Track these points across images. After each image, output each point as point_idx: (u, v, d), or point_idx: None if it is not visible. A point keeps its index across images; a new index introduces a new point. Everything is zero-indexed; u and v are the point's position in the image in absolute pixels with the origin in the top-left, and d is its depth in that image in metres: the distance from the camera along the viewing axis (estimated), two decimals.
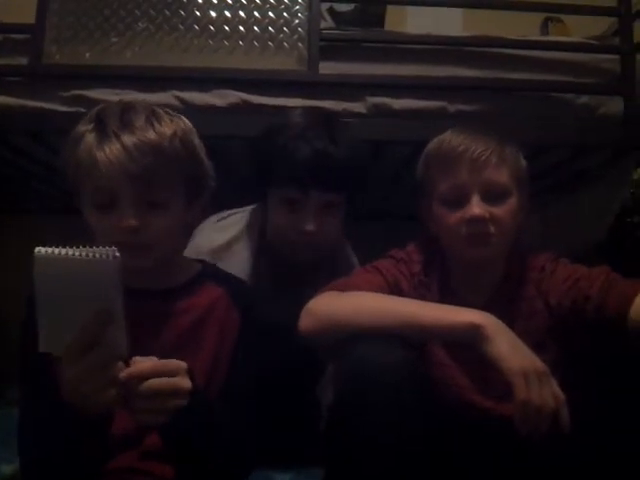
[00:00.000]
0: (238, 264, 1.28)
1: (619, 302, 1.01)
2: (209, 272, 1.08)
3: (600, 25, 1.85)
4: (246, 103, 1.48)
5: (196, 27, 1.50)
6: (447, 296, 1.11)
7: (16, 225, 2.45)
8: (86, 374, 0.72)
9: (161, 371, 0.76)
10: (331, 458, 0.99)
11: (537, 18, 2.34)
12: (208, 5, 1.51)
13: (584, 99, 1.52)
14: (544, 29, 2.29)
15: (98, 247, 0.71)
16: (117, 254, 0.71)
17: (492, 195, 1.06)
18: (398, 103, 1.49)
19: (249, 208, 1.42)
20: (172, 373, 0.77)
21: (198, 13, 1.50)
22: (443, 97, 1.49)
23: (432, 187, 1.11)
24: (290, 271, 1.32)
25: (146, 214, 0.90)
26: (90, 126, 0.90)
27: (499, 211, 1.06)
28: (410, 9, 2.29)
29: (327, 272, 1.33)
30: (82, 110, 1.45)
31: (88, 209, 0.93)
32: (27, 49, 1.49)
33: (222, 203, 1.33)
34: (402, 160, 1.66)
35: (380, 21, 2.17)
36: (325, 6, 2.06)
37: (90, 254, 0.70)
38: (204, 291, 1.03)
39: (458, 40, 1.59)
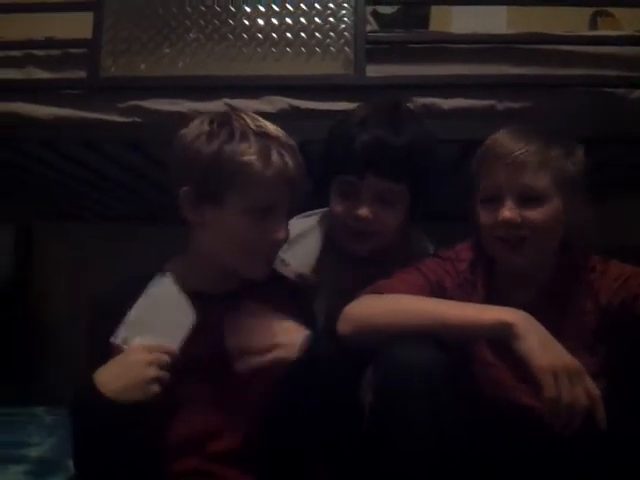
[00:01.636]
0: (304, 256, 1.31)
1: None
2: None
3: None
4: (294, 108, 1.50)
5: (245, 36, 1.53)
6: (493, 294, 1.11)
7: (70, 231, 2.56)
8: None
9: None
10: (372, 457, 1.01)
11: (585, 12, 2.30)
12: (256, 14, 1.54)
13: (636, 93, 1.48)
14: (593, 24, 2.25)
15: None
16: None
17: (527, 199, 1.06)
18: (447, 103, 1.49)
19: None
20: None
21: (246, 22, 1.53)
22: (492, 95, 1.48)
23: (476, 185, 1.13)
24: (353, 267, 1.31)
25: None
26: (258, 144, 0.96)
27: (534, 215, 1.06)
28: (455, 9, 2.28)
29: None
30: (138, 120, 1.51)
31: (236, 215, 0.98)
32: (85, 63, 1.55)
33: None
34: (450, 160, 1.65)
35: (424, 22, 2.18)
36: (368, 9, 2.08)
37: None
38: (264, 293, 1.05)
39: (504, 38, 1.57)
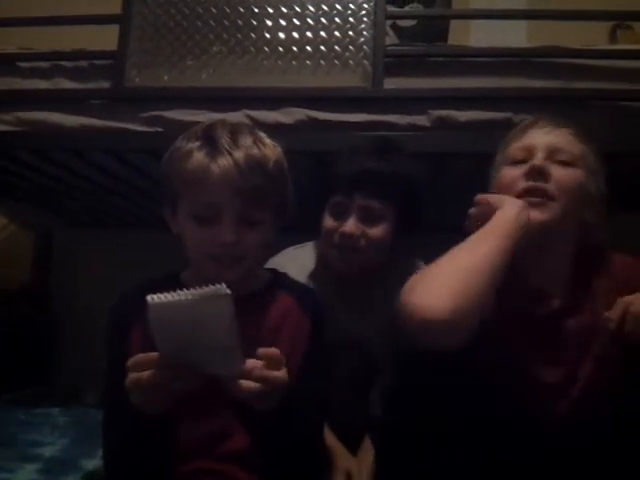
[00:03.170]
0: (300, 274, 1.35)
1: None
2: (279, 281, 1.12)
3: None
4: (312, 120, 1.53)
5: (266, 49, 1.57)
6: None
7: (96, 238, 2.61)
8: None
9: (266, 358, 0.81)
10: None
11: (605, 25, 2.30)
12: (277, 27, 1.58)
13: None
14: (612, 36, 2.26)
15: (207, 286, 0.75)
16: (228, 291, 0.75)
17: (557, 159, 1.07)
18: (463, 115, 1.51)
19: None
20: (274, 365, 0.81)
21: (268, 35, 1.58)
22: (509, 108, 1.50)
23: (503, 157, 1.15)
24: (344, 286, 1.38)
25: (242, 230, 0.96)
26: (197, 143, 0.96)
27: (562, 172, 1.06)
28: (473, 22, 2.30)
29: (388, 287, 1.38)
30: (160, 130, 1.55)
31: (186, 220, 0.98)
32: (110, 74, 1.60)
33: None
34: (465, 173, 1.67)
35: (443, 35, 2.19)
36: (388, 22, 2.10)
37: (203, 296, 0.74)
38: (277, 301, 1.07)
39: (522, 52, 1.59)
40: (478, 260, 0.95)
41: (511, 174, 1.09)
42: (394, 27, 2.14)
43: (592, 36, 1.89)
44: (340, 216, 1.30)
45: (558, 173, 1.05)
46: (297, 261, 1.39)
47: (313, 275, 1.38)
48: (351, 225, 1.27)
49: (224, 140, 0.95)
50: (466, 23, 2.32)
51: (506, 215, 1.00)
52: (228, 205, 0.94)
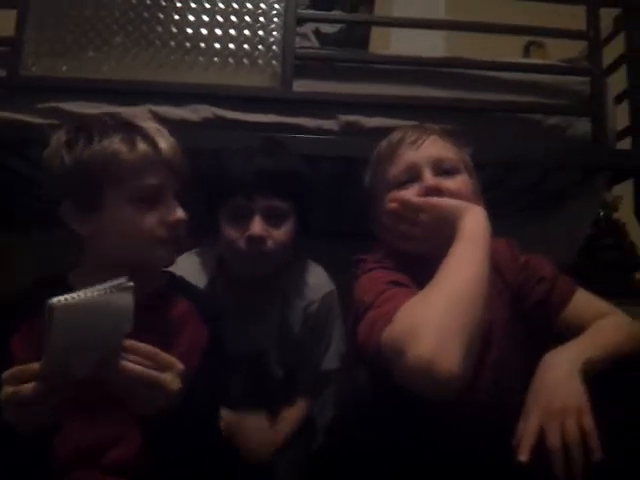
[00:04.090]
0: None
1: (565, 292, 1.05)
2: (177, 284, 1.09)
3: (581, 49, 1.87)
4: (219, 118, 1.50)
5: (172, 43, 1.52)
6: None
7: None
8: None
9: (155, 359, 0.76)
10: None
11: (520, 43, 2.37)
12: (185, 22, 1.53)
13: (554, 120, 1.54)
14: (526, 53, 2.33)
15: (105, 283, 0.70)
16: (131, 283, 0.72)
17: (443, 170, 1.06)
18: (370, 122, 1.51)
19: None
20: (164, 368, 0.76)
21: (175, 29, 1.53)
22: (414, 116, 1.49)
23: (382, 181, 1.11)
24: (249, 289, 1.34)
25: None
26: (120, 135, 0.94)
27: (451, 183, 1.05)
28: (394, 33, 2.32)
29: (284, 291, 1.38)
30: (56, 122, 1.47)
31: (121, 210, 0.94)
32: (5, 61, 1.51)
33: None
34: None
35: (364, 43, 2.21)
36: (311, 27, 2.09)
37: (108, 290, 0.70)
38: (175, 305, 1.03)
39: (432, 61, 1.61)
40: (473, 288, 0.85)
41: (406, 195, 1.05)
42: (317, 33, 2.14)
43: (507, 51, 1.93)
44: (241, 221, 1.24)
45: (449, 185, 1.04)
46: (193, 268, 1.33)
47: (210, 284, 1.33)
48: (258, 227, 1.22)
49: (150, 127, 0.98)
50: (387, 33, 2.34)
51: (478, 224, 0.94)
52: (169, 186, 0.97)
